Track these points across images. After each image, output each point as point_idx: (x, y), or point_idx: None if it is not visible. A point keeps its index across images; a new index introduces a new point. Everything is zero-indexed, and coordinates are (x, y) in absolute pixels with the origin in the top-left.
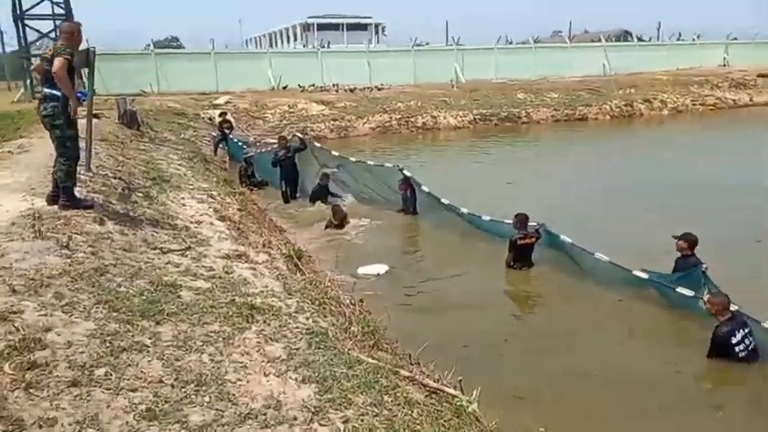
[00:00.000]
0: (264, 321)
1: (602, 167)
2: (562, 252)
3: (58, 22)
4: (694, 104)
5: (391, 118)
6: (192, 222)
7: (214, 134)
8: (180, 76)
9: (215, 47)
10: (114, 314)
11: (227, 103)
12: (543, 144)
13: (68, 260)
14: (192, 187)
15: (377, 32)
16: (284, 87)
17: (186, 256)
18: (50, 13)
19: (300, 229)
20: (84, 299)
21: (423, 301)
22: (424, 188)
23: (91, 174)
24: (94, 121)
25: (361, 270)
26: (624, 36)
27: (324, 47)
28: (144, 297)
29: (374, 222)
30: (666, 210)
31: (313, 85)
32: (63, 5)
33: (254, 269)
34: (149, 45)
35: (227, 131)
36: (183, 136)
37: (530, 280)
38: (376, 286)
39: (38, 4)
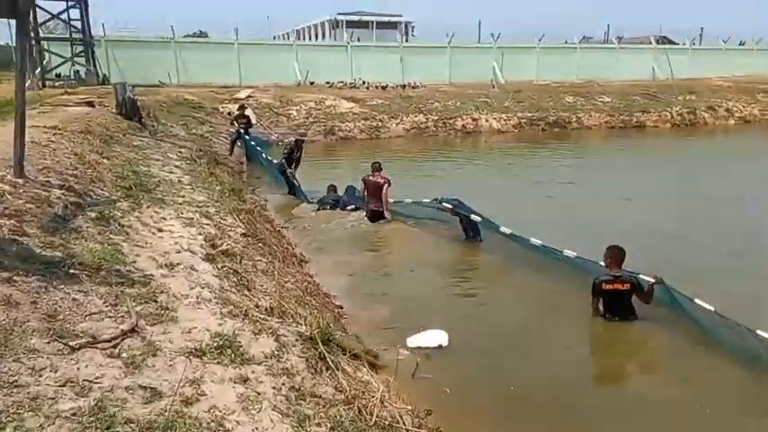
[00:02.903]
0: None
1: (697, 185)
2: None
3: (70, 3)
4: (764, 114)
5: (427, 119)
6: (161, 266)
7: (232, 130)
8: (201, 68)
9: (238, 37)
10: None
11: (249, 97)
12: (606, 152)
13: None
14: (182, 200)
15: (406, 31)
16: (311, 83)
17: (119, 354)
18: None
19: (324, 247)
20: None
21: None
22: (475, 217)
23: (21, 180)
24: (85, 109)
25: (415, 341)
26: (662, 42)
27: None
28: None
29: (426, 256)
30: None
31: (342, 82)
32: None
33: (245, 383)
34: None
35: (242, 128)
36: (194, 131)
37: (629, 343)
38: (435, 366)
39: None
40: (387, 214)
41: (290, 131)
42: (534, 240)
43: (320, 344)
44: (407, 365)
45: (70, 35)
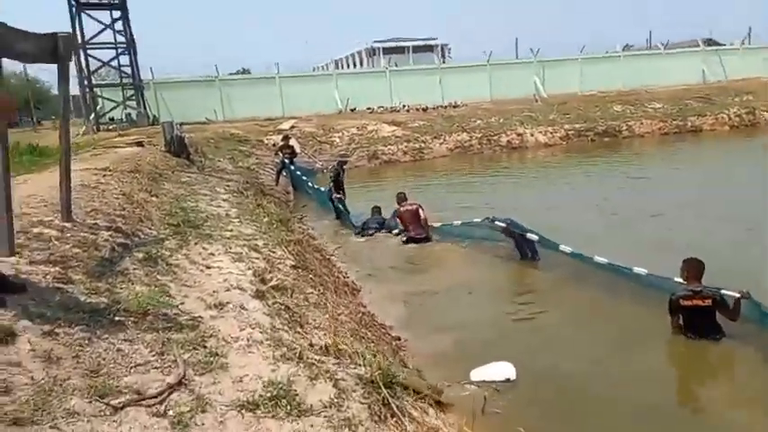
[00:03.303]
0: None
1: None
2: None
3: (120, 49)
4: None
5: (471, 137)
6: (209, 306)
7: (277, 160)
8: (245, 103)
9: (279, 71)
10: None
11: (293, 127)
12: (664, 161)
13: None
14: (229, 234)
15: (443, 53)
16: (352, 110)
17: (165, 411)
18: (112, 41)
19: (375, 273)
20: None
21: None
22: (532, 236)
23: (69, 224)
24: (136, 150)
25: (479, 374)
26: (710, 45)
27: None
28: None
29: (481, 278)
30: None
31: (382, 107)
32: (124, 33)
33: None
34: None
35: (286, 158)
36: (241, 164)
37: (715, 366)
38: (505, 402)
39: (100, 32)
40: (431, 236)
41: (333, 158)
42: (599, 258)
43: (383, 387)
44: (475, 401)
45: (121, 80)
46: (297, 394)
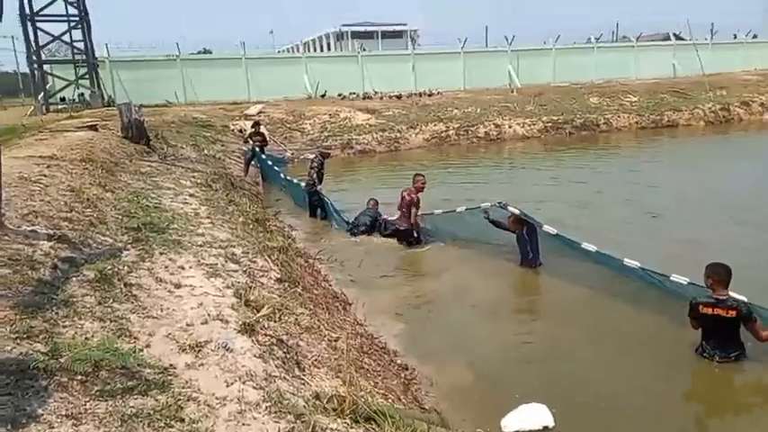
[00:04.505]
0: None
1: None
2: None
3: (72, 23)
4: None
5: (448, 127)
6: (183, 348)
7: (244, 149)
8: (208, 85)
9: (246, 51)
10: None
11: (261, 113)
12: (653, 156)
13: None
14: (202, 241)
15: (412, 40)
16: (322, 95)
17: None
18: (64, 13)
19: (364, 281)
20: None
21: None
22: (549, 229)
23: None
24: (89, 134)
25: (513, 424)
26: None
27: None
28: None
29: (482, 287)
30: None
31: (354, 93)
32: (77, 5)
33: None
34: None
35: (257, 146)
36: (206, 152)
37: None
38: None
39: (50, 3)
40: (416, 235)
41: (305, 147)
42: (629, 261)
43: None
44: None
45: (73, 57)
46: None
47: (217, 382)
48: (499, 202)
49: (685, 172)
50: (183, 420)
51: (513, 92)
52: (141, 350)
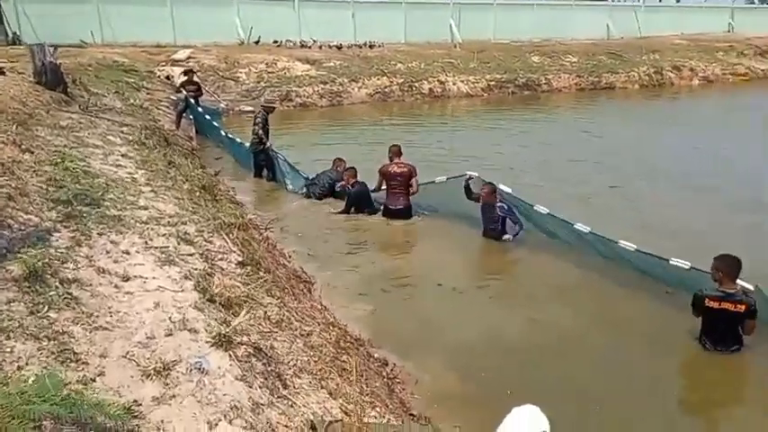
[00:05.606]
0: None
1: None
2: None
3: None
4: (724, 74)
5: (392, 82)
6: (147, 374)
7: (173, 98)
8: (128, 24)
9: None
10: None
11: (190, 58)
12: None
13: None
14: (146, 216)
15: None
16: (256, 42)
17: None
18: None
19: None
20: None
21: None
22: (540, 209)
23: None
24: None
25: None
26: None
27: None
28: None
29: (456, 264)
30: None
31: (291, 41)
32: None
33: None
34: None
35: (190, 96)
36: (132, 101)
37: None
38: None
39: None
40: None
41: (240, 98)
42: (625, 243)
43: None
44: None
45: None
46: None
47: (197, 422)
48: (466, 174)
49: (631, 133)
50: None
51: (455, 47)
52: (93, 380)
